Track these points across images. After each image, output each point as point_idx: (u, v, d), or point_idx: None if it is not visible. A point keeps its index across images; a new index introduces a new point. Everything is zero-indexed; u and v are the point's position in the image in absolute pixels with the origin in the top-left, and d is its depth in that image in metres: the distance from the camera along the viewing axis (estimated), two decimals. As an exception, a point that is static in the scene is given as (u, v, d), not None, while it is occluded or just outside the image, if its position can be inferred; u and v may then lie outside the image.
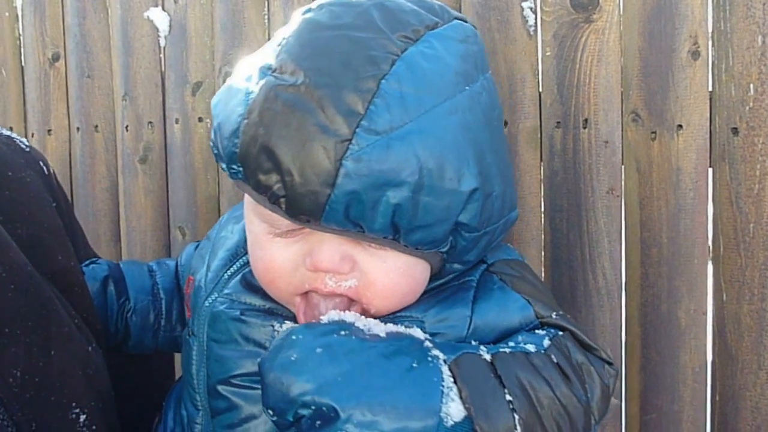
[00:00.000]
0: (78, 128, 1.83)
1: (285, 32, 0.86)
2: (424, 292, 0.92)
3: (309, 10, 0.87)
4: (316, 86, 0.79)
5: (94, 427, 0.89)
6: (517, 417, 0.78)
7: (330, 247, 0.84)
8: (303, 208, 0.80)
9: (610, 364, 0.90)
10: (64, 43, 1.83)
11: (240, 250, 1.01)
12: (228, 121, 0.84)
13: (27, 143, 1.04)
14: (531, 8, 1.35)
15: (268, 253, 0.89)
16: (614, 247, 1.32)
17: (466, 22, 0.92)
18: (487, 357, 0.82)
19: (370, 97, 0.78)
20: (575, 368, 0.86)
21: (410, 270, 0.88)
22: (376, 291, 0.87)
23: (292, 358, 0.77)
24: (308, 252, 0.86)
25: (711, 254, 1.27)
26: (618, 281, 1.33)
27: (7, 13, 1.93)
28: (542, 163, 1.36)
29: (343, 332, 0.80)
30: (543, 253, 1.37)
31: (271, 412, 0.78)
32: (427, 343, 0.82)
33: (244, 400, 0.93)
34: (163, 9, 1.71)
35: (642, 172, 1.30)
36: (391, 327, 0.84)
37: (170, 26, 1.70)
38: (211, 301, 0.98)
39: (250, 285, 0.96)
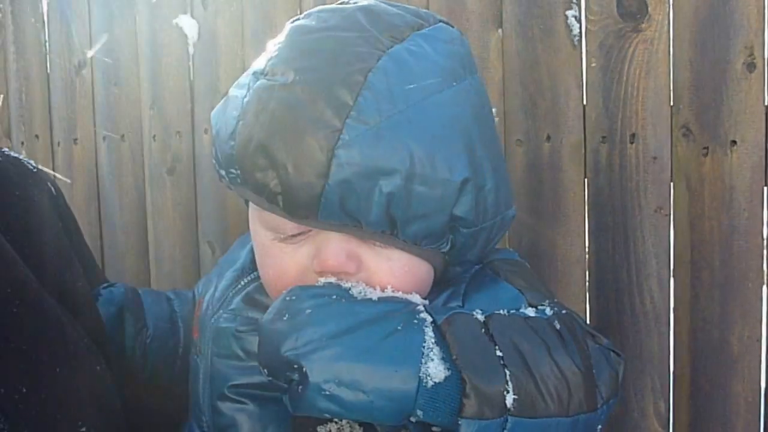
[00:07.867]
0: (104, 138, 1.80)
1: (276, 41, 0.91)
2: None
3: (297, 19, 0.92)
4: (307, 83, 0.82)
5: None
6: (508, 373, 0.78)
7: (336, 246, 0.86)
8: (300, 203, 0.82)
9: (616, 353, 0.89)
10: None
11: (246, 269, 1.03)
12: (225, 126, 0.88)
13: (34, 164, 1.05)
14: (576, 17, 1.30)
15: (277, 260, 0.90)
16: (663, 269, 1.27)
17: (451, 27, 0.95)
18: (480, 317, 0.83)
19: (358, 89, 0.81)
20: (577, 339, 0.84)
21: (414, 269, 0.89)
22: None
23: (284, 318, 0.79)
24: (315, 253, 0.87)
25: (766, 278, 1.22)
26: (666, 305, 1.27)
27: (32, 19, 1.91)
28: (587, 180, 1.32)
29: (334, 296, 0.82)
30: (587, 275, 1.33)
31: (266, 371, 0.80)
32: (419, 307, 0.83)
33: (246, 415, 0.94)
34: (192, 16, 1.67)
35: (693, 190, 1.24)
36: (388, 293, 0.85)
37: (199, 33, 1.67)
38: (216, 318, 1.00)
39: (253, 300, 0.98)
